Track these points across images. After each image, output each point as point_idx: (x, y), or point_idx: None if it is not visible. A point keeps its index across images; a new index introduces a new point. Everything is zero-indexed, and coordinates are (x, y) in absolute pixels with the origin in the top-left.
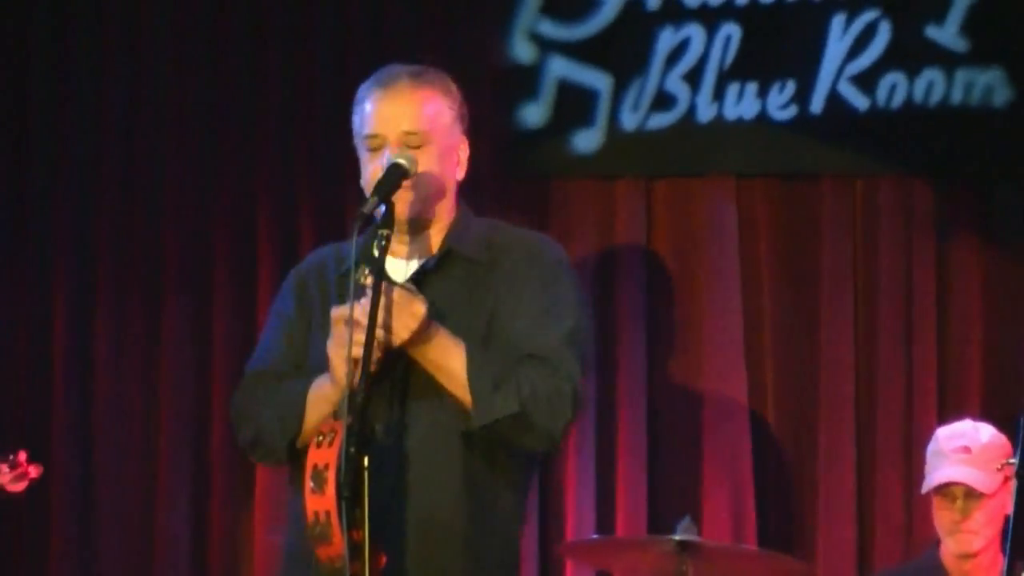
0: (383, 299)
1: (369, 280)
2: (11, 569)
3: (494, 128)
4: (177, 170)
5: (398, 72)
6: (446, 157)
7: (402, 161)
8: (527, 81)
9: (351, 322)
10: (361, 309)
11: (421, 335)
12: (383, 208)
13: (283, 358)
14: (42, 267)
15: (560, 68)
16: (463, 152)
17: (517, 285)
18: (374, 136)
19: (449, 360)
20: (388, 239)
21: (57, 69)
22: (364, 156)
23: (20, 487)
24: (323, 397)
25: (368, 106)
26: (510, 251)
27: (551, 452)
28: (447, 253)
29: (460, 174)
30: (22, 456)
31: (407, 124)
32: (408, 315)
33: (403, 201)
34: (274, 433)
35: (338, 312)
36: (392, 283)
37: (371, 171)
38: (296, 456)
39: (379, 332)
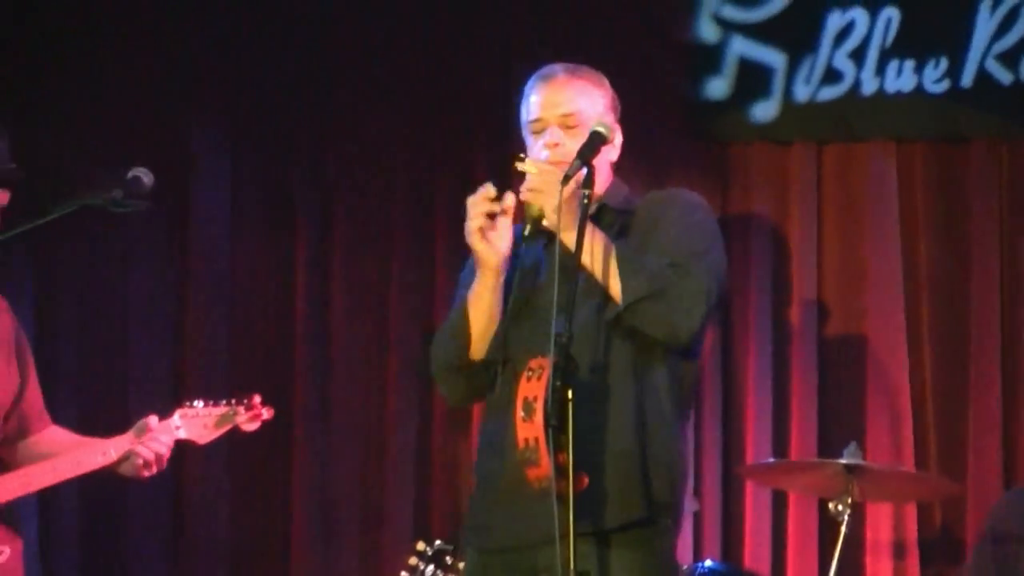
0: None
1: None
2: (260, 489)
3: (682, 99)
4: (405, 138)
5: (555, 67)
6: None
7: (601, 129)
8: (711, 58)
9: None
10: (481, 193)
11: (570, 209)
12: (585, 170)
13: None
14: (286, 225)
15: (740, 47)
16: (617, 137)
17: (659, 220)
18: (537, 120)
19: (601, 249)
20: (589, 197)
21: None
22: (529, 140)
23: (254, 427)
24: (477, 293)
25: (532, 97)
26: (652, 201)
27: (686, 349)
28: (601, 207)
29: (613, 155)
30: (256, 399)
31: (564, 108)
32: (552, 185)
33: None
34: (444, 341)
35: (472, 197)
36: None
37: (535, 153)
38: (474, 370)
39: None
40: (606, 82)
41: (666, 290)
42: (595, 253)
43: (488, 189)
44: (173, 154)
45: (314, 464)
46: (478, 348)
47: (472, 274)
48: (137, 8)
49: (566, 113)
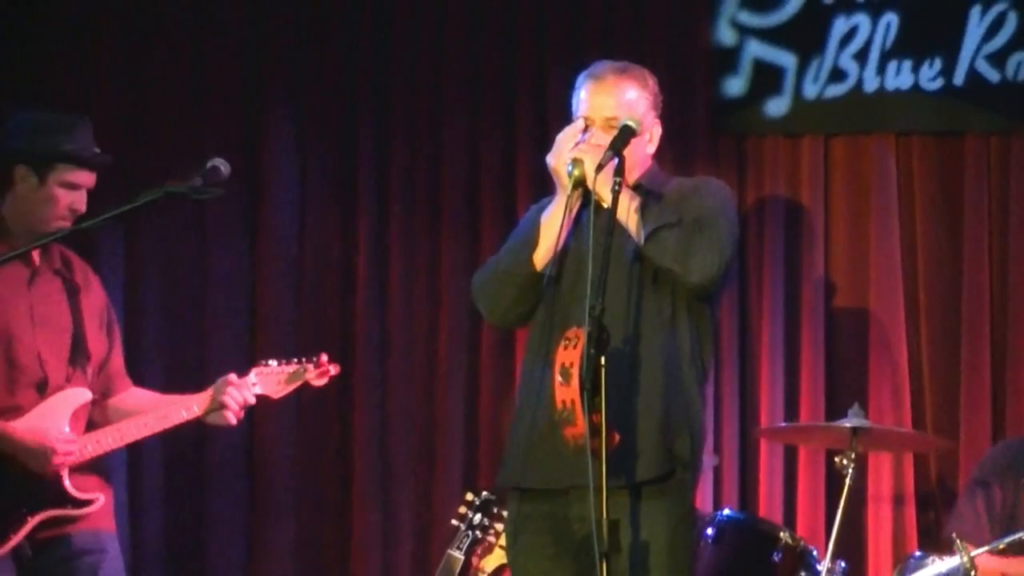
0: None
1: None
2: (325, 447)
3: (705, 97)
4: (455, 125)
5: (605, 68)
6: (639, 136)
7: (631, 123)
8: (729, 60)
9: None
10: (572, 129)
11: (605, 164)
12: (616, 160)
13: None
14: (349, 205)
15: (755, 49)
16: (656, 132)
17: (689, 197)
18: (584, 119)
19: (633, 203)
20: (620, 184)
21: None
22: (579, 119)
23: (322, 383)
24: (553, 213)
25: (582, 93)
26: (683, 184)
27: (699, 292)
28: (637, 187)
29: (651, 149)
30: (324, 357)
31: (609, 111)
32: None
33: (608, 170)
34: (516, 248)
35: (563, 133)
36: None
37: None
38: (530, 282)
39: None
40: (650, 81)
41: (685, 229)
42: (629, 208)
43: (578, 124)
44: (247, 142)
45: (373, 423)
46: (541, 257)
47: (531, 219)
48: None
49: (609, 117)
